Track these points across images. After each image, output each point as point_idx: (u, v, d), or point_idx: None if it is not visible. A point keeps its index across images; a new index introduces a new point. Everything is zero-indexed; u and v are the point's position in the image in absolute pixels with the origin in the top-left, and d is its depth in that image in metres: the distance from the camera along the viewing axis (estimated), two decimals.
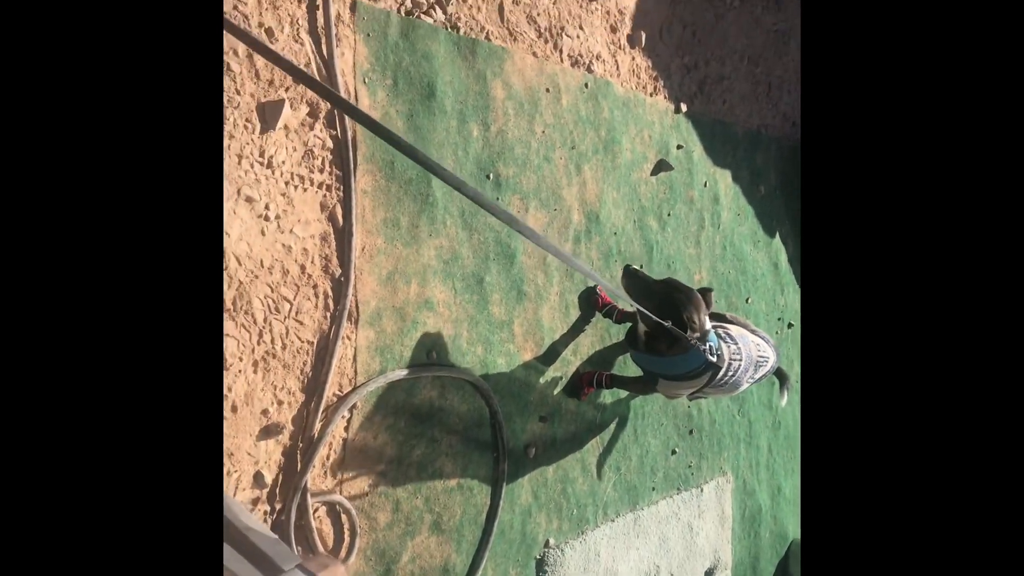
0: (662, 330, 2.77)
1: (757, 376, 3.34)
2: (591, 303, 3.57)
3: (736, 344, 3.11)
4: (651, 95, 3.98)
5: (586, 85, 3.54)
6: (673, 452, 4.14)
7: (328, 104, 2.51)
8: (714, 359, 2.91)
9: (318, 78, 2.46)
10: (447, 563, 2.94)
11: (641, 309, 2.67)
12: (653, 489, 4.01)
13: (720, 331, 3.15)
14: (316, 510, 2.54)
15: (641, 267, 3.31)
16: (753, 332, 3.42)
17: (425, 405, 2.86)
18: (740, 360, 3.10)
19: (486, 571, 3.07)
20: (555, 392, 3.40)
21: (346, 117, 2.55)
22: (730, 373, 3.06)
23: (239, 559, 1.31)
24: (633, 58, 3.86)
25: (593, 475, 3.61)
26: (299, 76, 1.01)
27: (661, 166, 4.01)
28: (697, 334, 2.84)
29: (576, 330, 3.49)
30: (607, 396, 3.68)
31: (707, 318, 2.90)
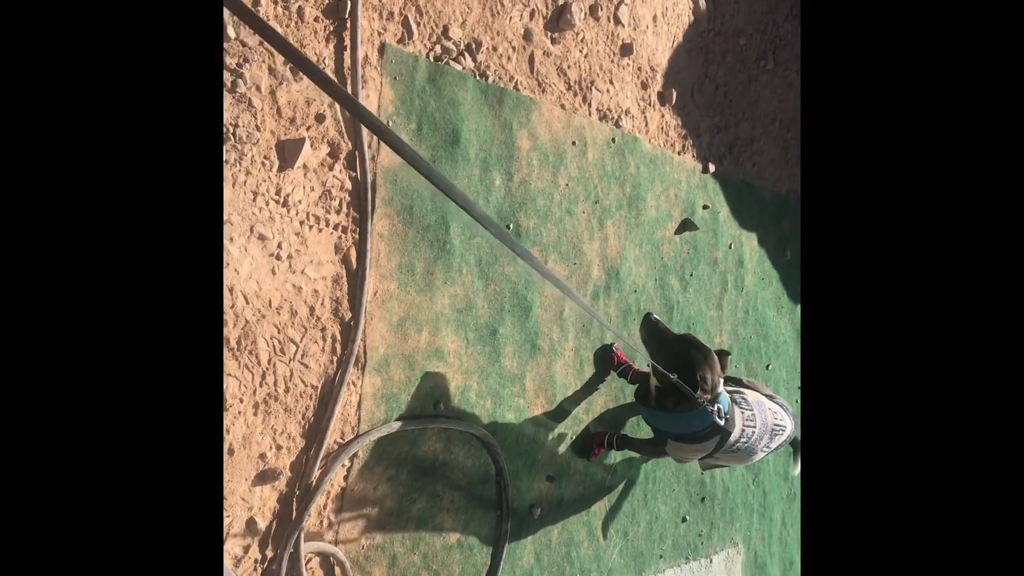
0: (671, 384, 2.68)
1: (773, 445, 3.19)
2: (606, 361, 3.46)
3: (751, 410, 3.00)
4: (679, 153, 3.93)
5: (613, 140, 3.50)
6: (683, 519, 4.00)
7: (349, 145, 2.48)
8: (722, 422, 2.79)
9: (340, 119, 2.44)
10: None
11: (653, 363, 2.61)
12: (661, 557, 3.87)
13: (736, 396, 3.03)
14: (309, 560, 2.44)
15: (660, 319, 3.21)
16: (771, 398, 3.29)
17: (429, 457, 2.77)
18: (754, 427, 2.98)
19: None
20: (564, 451, 3.30)
21: (367, 159, 2.51)
22: (743, 440, 2.95)
23: None
24: (663, 115, 3.82)
25: (599, 539, 3.49)
26: (309, 69, 0.96)
27: (686, 225, 3.95)
28: (708, 395, 2.73)
29: (589, 388, 3.39)
30: (617, 457, 3.58)
31: (720, 380, 2.80)
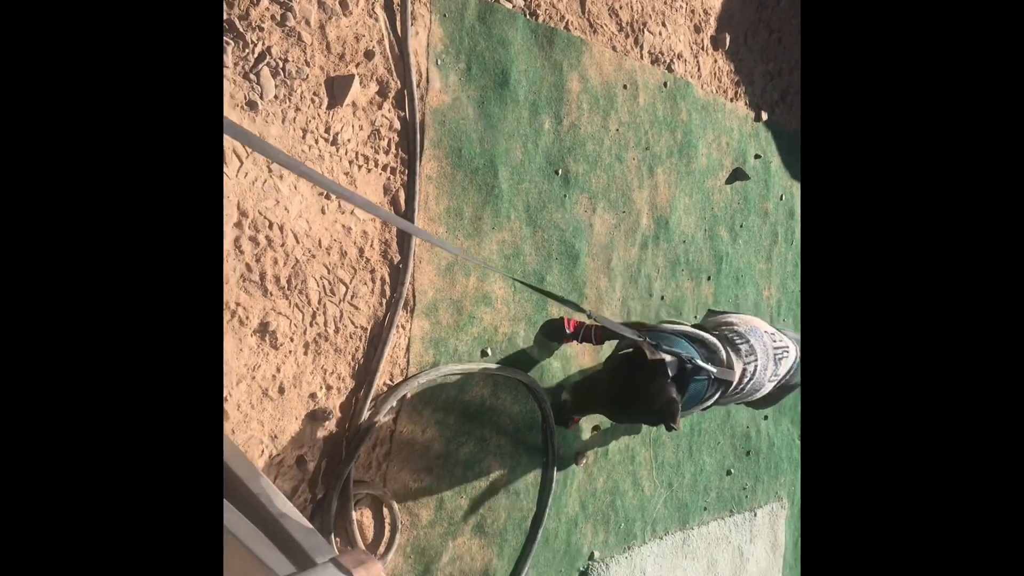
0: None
1: (781, 372, 2.84)
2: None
3: (747, 342, 2.70)
4: (731, 100, 3.83)
5: (665, 84, 3.41)
6: (728, 473, 3.97)
7: (398, 84, 2.44)
8: (714, 369, 2.52)
9: (389, 56, 2.39)
10: (488, 567, 2.83)
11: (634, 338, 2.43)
12: (705, 509, 3.85)
13: (727, 333, 2.73)
14: (358, 501, 2.46)
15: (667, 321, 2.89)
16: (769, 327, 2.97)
17: (476, 403, 2.76)
18: (755, 360, 2.68)
19: None
20: None
21: (415, 99, 2.47)
22: (747, 379, 2.67)
23: (269, 546, 1.23)
24: (715, 60, 3.72)
25: (644, 490, 3.47)
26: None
27: (737, 175, 3.86)
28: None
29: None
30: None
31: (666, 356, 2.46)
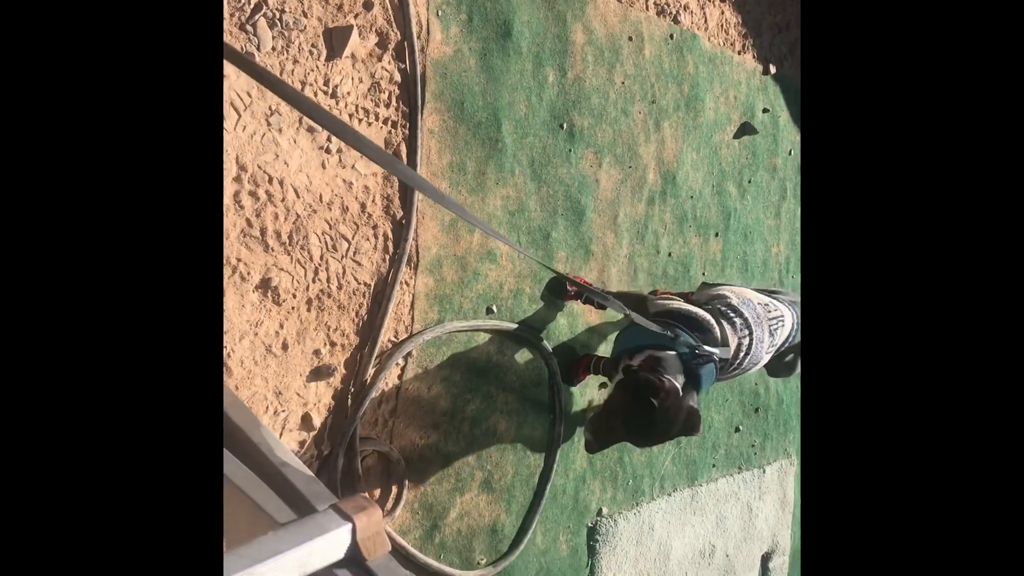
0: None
1: (778, 342, 2.75)
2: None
3: (741, 316, 2.60)
4: (739, 53, 3.76)
5: (671, 36, 3.34)
6: (737, 430, 3.97)
7: (398, 35, 2.39)
8: (715, 353, 2.48)
9: (388, 6, 2.35)
10: (496, 523, 2.84)
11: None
12: (713, 466, 3.85)
13: (718, 306, 2.64)
14: (364, 457, 2.46)
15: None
16: (767, 293, 2.90)
17: (482, 359, 2.75)
18: (749, 335, 2.58)
19: (536, 535, 2.97)
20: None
21: (416, 51, 2.42)
22: (741, 354, 2.58)
23: (269, 494, 1.22)
24: (723, 12, 3.64)
25: (652, 447, 3.46)
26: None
27: (745, 129, 3.80)
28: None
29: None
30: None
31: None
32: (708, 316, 2.54)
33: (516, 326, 2.80)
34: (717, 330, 2.52)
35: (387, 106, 2.40)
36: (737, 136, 3.78)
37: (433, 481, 2.65)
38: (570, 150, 2.97)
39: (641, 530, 3.42)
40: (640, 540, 3.41)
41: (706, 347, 2.46)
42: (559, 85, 2.90)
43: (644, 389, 2.34)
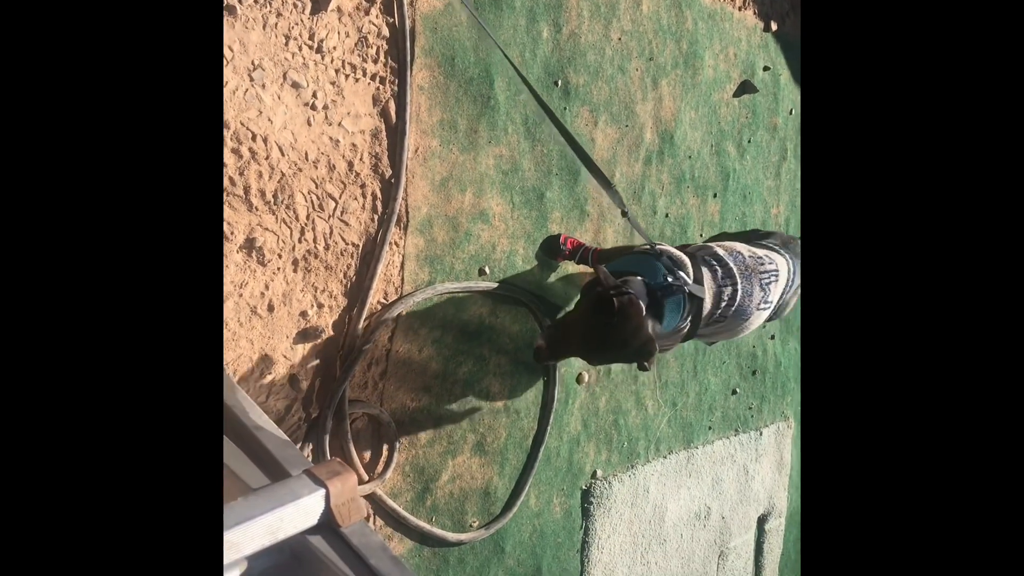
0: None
1: (771, 297, 2.54)
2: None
3: (724, 265, 2.43)
4: (739, 9, 3.67)
5: None
6: (734, 392, 3.94)
7: None
8: (685, 283, 2.30)
9: None
10: (488, 486, 2.82)
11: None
12: (710, 428, 3.83)
13: (699, 255, 2.46)
14: (354, 420, 2.43)
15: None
16: (761, 246, 2.69)
17: (474, 321, 2.71)
18: (731, 286, 2.41)
19: (529, 497, 2.95)
20: None
21: (404, 4, 2.35)
22: (724, 302, 2.41)
23: (243, 459, 1.19)
24: None
25: (647, 409, 3.45)
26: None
27: (745, 88, 3.72)
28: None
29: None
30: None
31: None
32: (685, 256, 2.40)
33: (510, 287, 2.76)
34: (690, 268, 2.36)
35: (375, 61, 2.33)
36: (737, 95, 3.70)
37: (424, 444, 2.63)
38: (565, 108, 2.91)
39: (636, 492, 3.41)
40: (635, 502, 3.41)
41: (680, 273, 2.31)
42: (554, 41, 2.82)
43: (607, 301, 2.19)
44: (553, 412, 2.98)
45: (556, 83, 2.86)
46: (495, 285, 2.71)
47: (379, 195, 2.39)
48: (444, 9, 2.47)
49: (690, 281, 2.32)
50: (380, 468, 2.51)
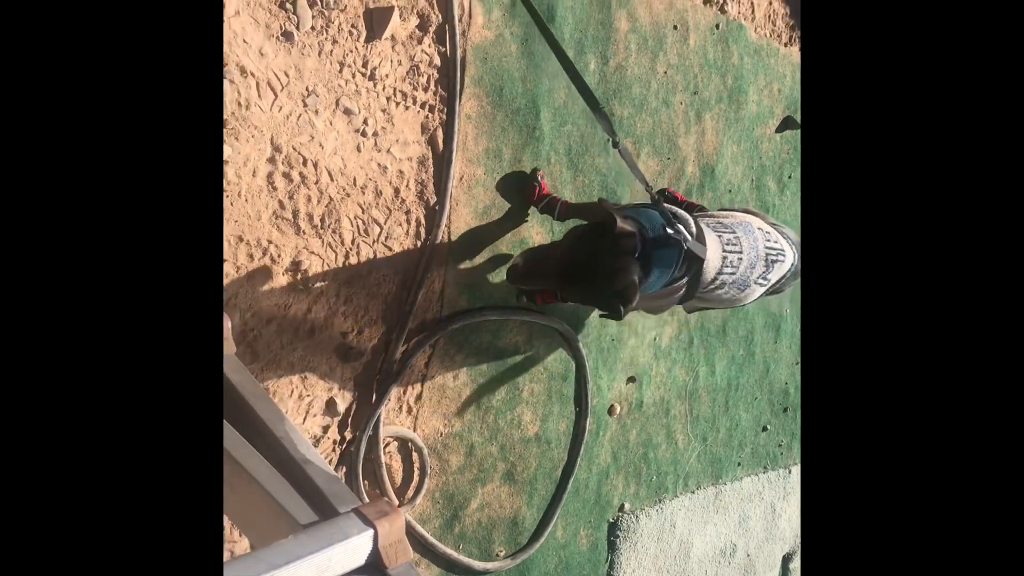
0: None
1: (772, 277, 2.43)
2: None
3: (732, 232, 2.33)
4: (785, 45, 3.66)
5: (717, 26, 3.26)
6: (764, 429, 3.90)
7: (439, 17, 2.34)
8: (683, 238, 2.13)
9: None
10: (517, 515, 2.81)
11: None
12: (739, 465, 3.80)
13: (708, 221, 2.36)
14: (387, 444, 2.44)
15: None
16: (771, 225, 2.55)
17: (510, 349, 2.72)
18: (739, 251, 2.29)
19: (556, 528, 2.94)
20: (646, 353, 3.21)
21: (457, 34, 2.37)
22: (726, 268, 2.28)
23: (290, 492, 1.19)
24: (770, 2, 3.54)
25: (677, 443, 3.42)
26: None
27: (788, 123, 3.71)
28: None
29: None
30: (703, 365, 3.47)
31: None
32: (689, 216, 2.27)
33: (547, 316, 2.76)
34: (694, 226, 2.23)
35: (425, 90, 2.35)
36: (779, 130, 3.69)
37: (455, 470, 2.62)
38: (608, 139, 2.91)
39: (663, 527, 3.38)
40: (661, 537, 3.38)
41: (680, 227, 2.14)
42: (600, 73, 2.83)
43: (610, 222, 2.05)
44: (584, 443, 2.97)
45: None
46: (533, 314, 2.71)
47: (423, 221, 2.40)
48: (495, 40, 2.49)
49: (690, 238, 2.17)
50: (411, 493, 2.51)
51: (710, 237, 2.24)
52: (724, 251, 2.26)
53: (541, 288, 2.48)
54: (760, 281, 2.41)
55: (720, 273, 2.27)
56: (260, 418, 1.35)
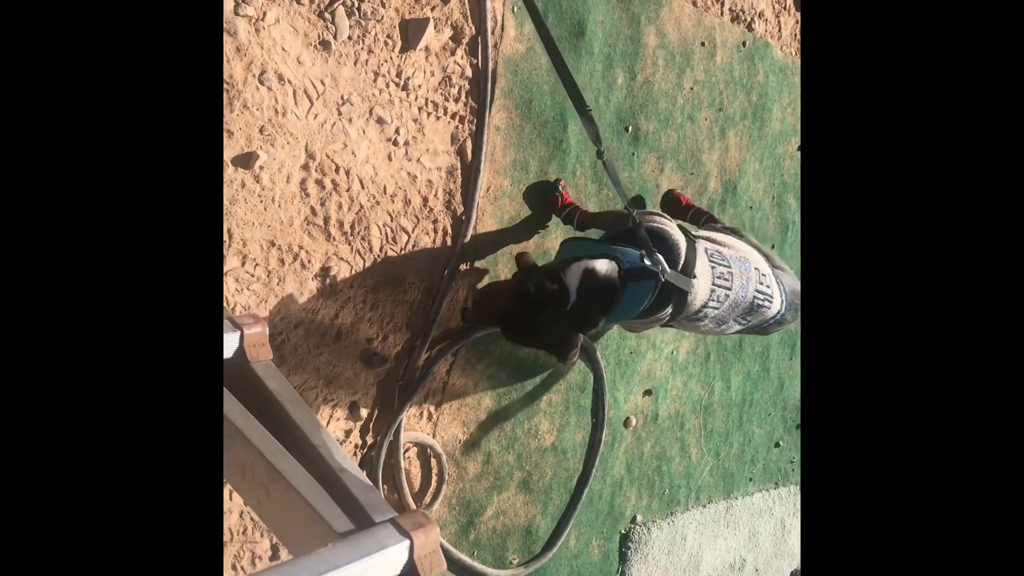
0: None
1: (750, 320, 2.43)
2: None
3: (728, 267, 2.29)
4: None
5: (744, 44, 3.27)
6: (777, 445, 3.91)
7: (472, 30, 2.36)
8: (667, 274, 2.11)
9: (467, 1, 2.32)
10: (531, 524, 2.83)
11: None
12: (750, 480, 3.81)
13: (707, 246, 2.32)
14: (407, 449, 2.46)
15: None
16: (773, 268, 2.51)
17: (530, 360, 2.73)
18: (729, 288, 2.28)
19: (569, 537, 2.96)
20: (663, 367, 3.22)
21: (489, 46, 2.39)
22: (712, 303, 2.26)
23: (327, 500, 1.21)
24: (797, 21, 3.56)
25: (691, 457, 3.44)
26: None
27: None
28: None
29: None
30: (719, 380, 3.48)
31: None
32: (682, 243, 2.22)
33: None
34: (683, 248, 2.20)
35: (456, 101, 2.37)
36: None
37: (472, 477, 2.64)
38: (633, 153, 2.93)
39: (673, 539, 3.39)
40: (671, 550, 3.39)
41: (659, 257, 2.12)
42: (628, 87, 2.85)
43: (524, 292, 2.06)
44: (599, 455, 2.98)
45: (627, 129, 2.88)
46: None
47: (449, 231, 2.43)
48: (526, 53, 2.51)
49: (669, 269, 2.12)
50: (428, 499, 2.53)
51: (703, 267, 2.22)
52: (714, 284, 2.25)
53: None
54: (739, 320, 2.42)
55: (706, 306, 2.26)
56: (297, 425, 1.37)
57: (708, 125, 3.20)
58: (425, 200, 2.35)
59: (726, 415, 3.57)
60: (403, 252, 2.32)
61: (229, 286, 1.99)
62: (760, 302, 2.38)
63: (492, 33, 2.40)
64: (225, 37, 1.88)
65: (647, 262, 2.10)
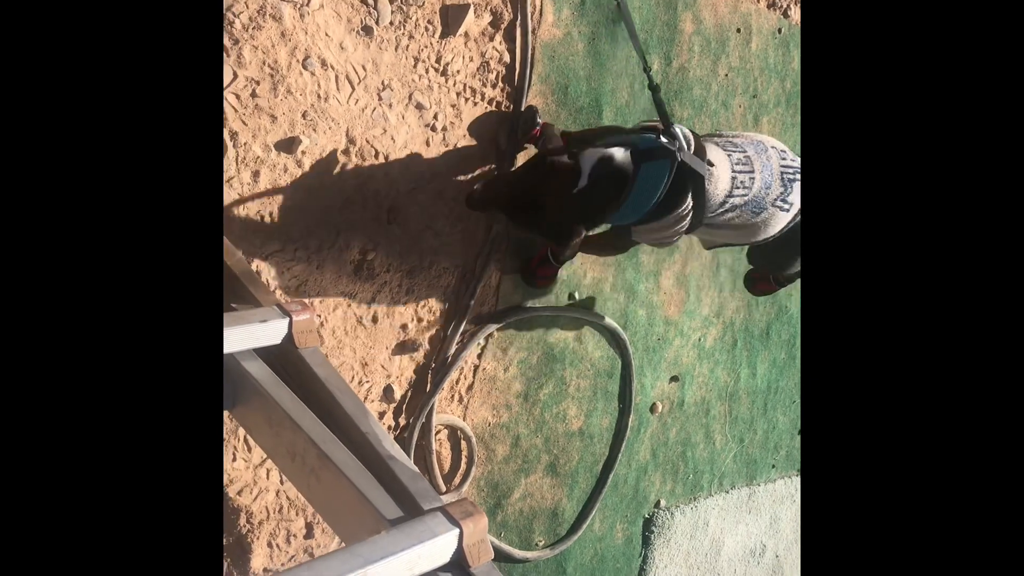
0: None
1: (792, 199, 2.11)
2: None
3: (742, 151, 2.08)
4: None
5: (779, 31, 3.25)
6: (800, 432, 3.92)
7: (511, 15, 2.36)
8: (680, 153, 1.95)
9: None
10: (557, 506, 2.86)
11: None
12: (773, 467, 3.82)
13: (714, 140, 2.15)
14: (438, 432, 2.49)
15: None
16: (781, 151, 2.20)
17: (559, 345, 2.75)
18: (750, 171, 2.04)
19: (594, 521, 2.99)
20: (690, 352, 3.23)
21: (528, 32, 2.39)
22: (737, 190, 2.04)
23: (376, 487, 1.24)
24: None
25: (715, 443, 3.45)
26: None
27: None
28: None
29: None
30: (744, 368, 3.48)
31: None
32: (690, 135, 2.07)
33: (597, 314, 2.79)
34: (693, 140, 2.05)
35: (493, 86, 2.38)
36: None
37: (500, 460, 2.67)
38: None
39: (696, 525, 3.42)
40: (694, 535, 3.42)
41: (677, 132, 2.00)
42: (663, 74, 2.84)
43: (541, 158, 2.02)
44: (625, 440, 3.00)
45: None
46: (583, 311, 2.75)
47: (483, 218, 2.44)
48: (563, 38, 2.51)
49: (686, 147, 1.99)
50: (457, 481, 2.56)
51: (717, 155, 2.03)
52: (734, 171, 2.03)
53: (499, 211, 2.33)
54: (780, 204, 2.11)
55: (730, 196, 2.05)
56: (346, 413, 1.39)
57: (742, 112, 3.18)
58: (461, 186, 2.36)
59: (751, 402, 3.58)
60: (439, 238, 2.34)
61: (271, 269, 2.01)
62: (791, 176, 2.11)
63: (531, 18, 2.40)
64: (270, 22, 1.89)
65: (663, 139, 1.98)
